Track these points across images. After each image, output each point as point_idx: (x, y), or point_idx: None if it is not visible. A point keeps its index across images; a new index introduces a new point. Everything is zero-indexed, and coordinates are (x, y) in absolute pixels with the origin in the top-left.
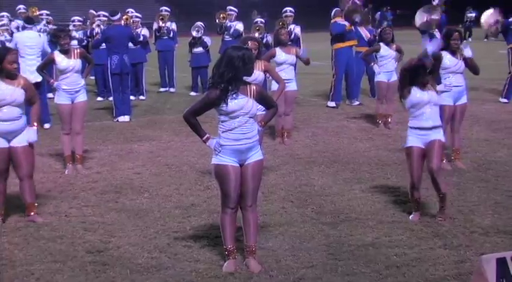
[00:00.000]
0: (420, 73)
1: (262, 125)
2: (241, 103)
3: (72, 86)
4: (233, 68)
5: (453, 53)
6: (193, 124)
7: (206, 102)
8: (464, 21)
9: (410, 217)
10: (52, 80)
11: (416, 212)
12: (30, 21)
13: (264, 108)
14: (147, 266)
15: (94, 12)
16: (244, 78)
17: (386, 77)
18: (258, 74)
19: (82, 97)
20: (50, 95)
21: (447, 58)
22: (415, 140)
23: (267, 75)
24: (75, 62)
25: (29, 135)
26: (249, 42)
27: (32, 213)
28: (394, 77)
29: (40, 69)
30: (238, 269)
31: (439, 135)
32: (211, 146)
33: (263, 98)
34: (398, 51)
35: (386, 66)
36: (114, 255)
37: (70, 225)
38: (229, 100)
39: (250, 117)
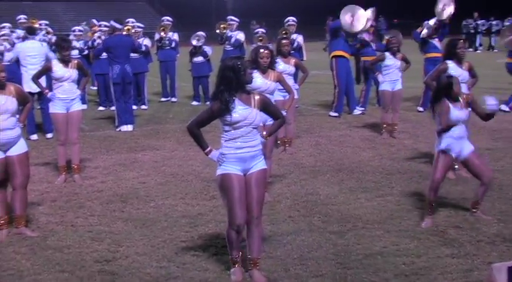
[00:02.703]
0: (451, 89)
1: (265, 136)
2: (245, 113)
3: (67, 94)
4: (226, 78)
5: (458, 63)
6: (196, 135)
7: (209, 114)
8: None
9: (423, 224)
10: (46, 90)
11: (430, 216)
12: (31, 31)
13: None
14: (156, 276)
15: (96, 22)
16: (247, 86)
17: (390, 86)
18: (269, 84)
19: (77, 106)
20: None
21: (451, 68)
22: (448, 148)
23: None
24: (71, 72)
25: None
26: (260, 50)
27: (21, 227)
28: (399, 86)
29: (36, 78)
30: (247, 277)
31: (468, 145)
32: (214, 158)
33: (267, 107)
34: (404, 60)
35: (391, 75)
36: (122, 265)
37: (77, 235)
38: (232, 111)
39: (253, 127)
